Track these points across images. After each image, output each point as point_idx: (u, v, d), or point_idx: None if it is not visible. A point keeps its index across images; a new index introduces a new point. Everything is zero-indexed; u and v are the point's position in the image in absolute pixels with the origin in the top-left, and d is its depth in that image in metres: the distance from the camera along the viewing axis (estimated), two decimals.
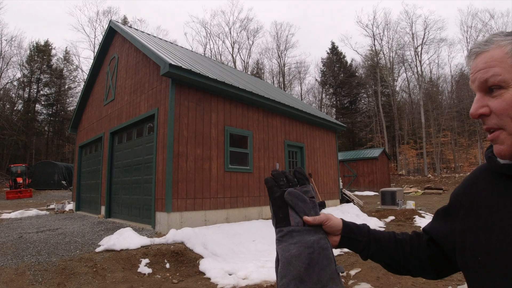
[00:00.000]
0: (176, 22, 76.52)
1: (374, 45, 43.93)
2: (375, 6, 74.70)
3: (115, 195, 9.52)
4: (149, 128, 8.26)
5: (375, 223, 9.59)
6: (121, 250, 5.45)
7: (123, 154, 9.43)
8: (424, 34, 41.30)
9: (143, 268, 4.98)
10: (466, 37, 40.86)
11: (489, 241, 0.75)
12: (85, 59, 55.74)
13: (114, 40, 11.10)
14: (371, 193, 22.96)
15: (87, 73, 13.01)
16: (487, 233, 0.77)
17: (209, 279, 4.73)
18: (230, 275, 4.83)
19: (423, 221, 9.74)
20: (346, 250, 6.61)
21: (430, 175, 33.30)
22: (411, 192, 22.63)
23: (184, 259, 5.40)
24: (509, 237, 0.71)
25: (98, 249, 5.53)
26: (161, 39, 12.68)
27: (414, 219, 10.01)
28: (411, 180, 30.83)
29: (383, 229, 8.52)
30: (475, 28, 40.93)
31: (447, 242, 0.90)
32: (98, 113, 11.59)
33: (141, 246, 5.64)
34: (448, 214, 0.93)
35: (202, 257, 5.49)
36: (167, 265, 5.19)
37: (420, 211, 11.11)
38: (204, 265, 5.16)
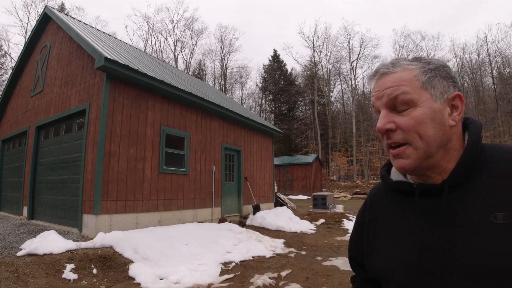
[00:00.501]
0: (117, 13, 71.69)
1: (314, 56, 46.10)
2: (317, 20, 78.48)
3: (39, 195, 8.78)
4: (79, 124, 7.76)
5: (306, 226, 9.99)
6: (45, 254, 5.05)
7: (49, 150, 8.75)
8: (360, 50, 44.30)
9: (68, 273, 4.67)
10: (398, 56, 43.99)
11: (384, 250, 0.85)
12: (15, 45, 50.41)
13: (48, 27, 10.25)
14: (304, 197, 23.82)
15: (16, 60, 11.84)
16: (383, 244, 0.86)
17: (139, 284, 4.58)
18: (161, 279, 4.73)
19: (350, 224, 10.37)
20: (278, 251, 6.80)
21: (358, 181, 35.52)
22: (341, 197, 23.95)
23: (112, 264, 5.17)
24: (400, 245, 0.80)
25: (19, 253, 5.09)
26: (98, 30, 11.96)
27: (342, 222, 10.64)
28: (341, 186, 32.62)
29: (313, 232, 8.88)
30: (407, 48, 44.25)
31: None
32: (24, 105, 10.60)
33: (66, 251, 5.27)
34: (357, 233, 0.99)
35: (132, 262, 5.30)
36: (94, 271, 4.93)
37: (348, 215, 11.83)
38: (134, 270, 4.98)
